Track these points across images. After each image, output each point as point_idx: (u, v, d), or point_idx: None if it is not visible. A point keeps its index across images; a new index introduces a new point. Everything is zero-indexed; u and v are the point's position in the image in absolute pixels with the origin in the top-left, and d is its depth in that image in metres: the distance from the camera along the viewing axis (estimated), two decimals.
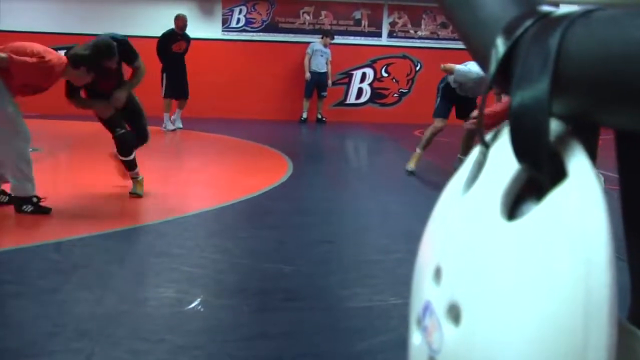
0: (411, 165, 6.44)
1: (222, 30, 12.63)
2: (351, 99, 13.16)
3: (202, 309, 2.87)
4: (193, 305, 2.89)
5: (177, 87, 9.83)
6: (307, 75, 11.80)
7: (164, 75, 9.94)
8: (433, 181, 6.04)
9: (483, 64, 0.45)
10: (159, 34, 12.41)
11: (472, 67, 6.05)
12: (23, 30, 11.97)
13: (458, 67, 6.14)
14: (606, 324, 0.35)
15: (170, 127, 9.86)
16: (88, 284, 3.15)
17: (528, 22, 0.41)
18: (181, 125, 10.09)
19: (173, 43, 9.92)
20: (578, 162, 0.38)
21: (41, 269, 3.36)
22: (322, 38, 11.96)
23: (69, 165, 7.22)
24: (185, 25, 10.02)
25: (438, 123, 6.38)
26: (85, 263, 3.49)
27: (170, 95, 9.91)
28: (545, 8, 0.41)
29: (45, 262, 3.47)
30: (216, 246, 3.94)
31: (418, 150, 6.48)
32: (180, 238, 4.06)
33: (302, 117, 12.13)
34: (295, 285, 3.26)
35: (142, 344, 2.51)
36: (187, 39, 10.11)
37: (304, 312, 2.90)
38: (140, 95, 5.75)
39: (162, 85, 9.86)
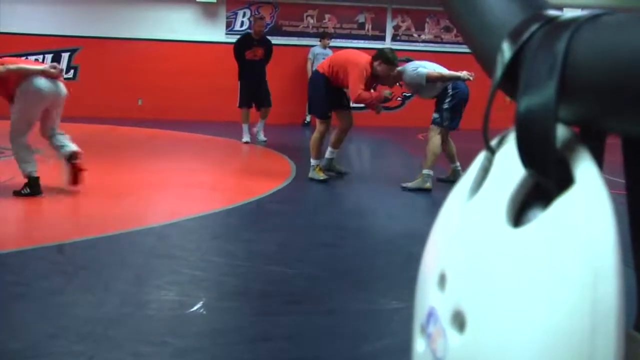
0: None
1: (226, 33, 12.64)
2: None
3: (204, 312, 2.86)
4: (195, 308, 2.89)
5: (254, 95, 8.80)
6: None
7: (239, 83, 8.97)
8: (436, 184, 6.03)
9: (489, 68, 0.45)
10: (163, 37, 12.47)
11: (422, 70, 6.03)
12: (24, 32, 12.02)
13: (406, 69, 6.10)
14: (613, 333, 0.34)
15: (246, 139, 8.91)
16: (90, 286, 3.15)
17: (534, 27, 0.40)
18: (265, 138, 9.09)
19: (246, 49, 8.81)
20: (585, 169, 0.38)
21: (43, 271, 3.35)
22: (320, 41, 11.95)
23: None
24: (261, 30, 8.94)
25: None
26: (87, 265, 3.49)
27: (244, 105, 8.89)
28: (552, 12, 0.41)
29: (47, 264, 3.47)
30: (219, 249, 3.94)
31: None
32: (182, 240, 4.06)
33: (305, 120, 12.12)
34: (298, 288, 3.26)
35: (144, 346, 2.51)
36: (266, 45, 8.94)
37: (306, 315, 2.90)
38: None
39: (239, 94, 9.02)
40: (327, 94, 6.15)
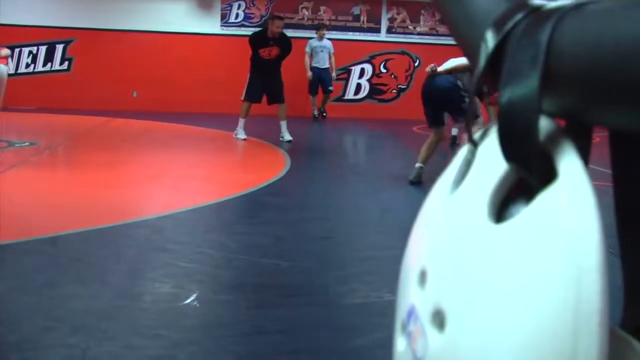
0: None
1: (221, 25, 12.61)
2: (350, 94, 13.15)
3: (198, 305, 2.86)
4: (189, 300, 2.89)
5: (265, 91, 8.38)
6: (309, 74, 11.56)
7: (248, 76, 8.48)
8: (432, 178, 6.03)
9: (473, 59, 0.44)
10: (158, 29, 12.42)
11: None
12: (18, 24, 11.96)
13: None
14: (597, 333, 0.33)
15: (242, 136, 8.47)
16: (84, 279, 3.14)
17: (519, 16, 0.39)
18: (290, 138, 8.62)
19: (261, 47, 8.33)
20: (569, 163, 0.37)
21: (37, 264, 3.35)
22: (316, 32, 11.85)
23: (67, 159, 7.21)
24: (277, 31, 8.34)
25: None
26: (81, 258, 3.48)
27: (248, 99, 8.41)
28: (537, 1, 0.40)
29: (41, 257, 3.46)
30: (213, 241, 3.94)
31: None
32: (177, 233, 4.05)
33: (314, 114, 12.02)
34: (292, 281, 3.26)
35: (137, 339, 2.51)
36: (282, 44, 8.39)
37: (301, 308, 2.90)
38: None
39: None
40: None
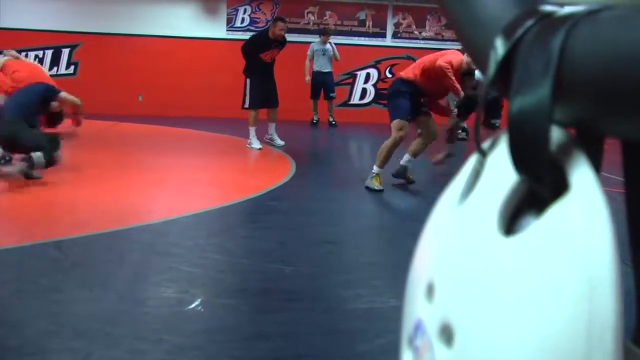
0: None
1: (227, 30, 12.64)
2: (355, 99, 13.15)
3: (202, 309, 2.85)
4: (193, 305, 2.88)
5: (264, 95, 8.10)
6: (307, 78, 11.13)
7: (248, 81, 8.15)
8: (436, 183, 6.01)
9: (482, 65, 0.43)
10: (164, 33, 12.45)
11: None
12: (24, 27, 12.01)
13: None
14: (611, 347, 0.32)
15: (257, 145, 8.19)
16: (87, 283, 3.14)
17: (529, 22, 0.38)
18: (282, 142, 8.51)
19: (263, 51, 8.09)
20: (581, 174, 0.36)
21: (41, 268, 3.35)
22: (320, 36, 11.61)
23: (71, 163, 7.21)
24: (281, 34, 8.12)
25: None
26: (85, 262, 3.48)
27: (255, 106, 8.13)
28: (548, 7, 0.39)
29: (45, 261, 3.46)
30: (217, 246, 3.93)
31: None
32: (180, 238, 4.05)
33: (313, 119, 11.71)
34: (295, 285, 3.25)
35: (141, 343, 2.50)
36: (283, 45, 8.26)
37: (304, 313, 2.89)
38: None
39: (244, 94, 8.17)
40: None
